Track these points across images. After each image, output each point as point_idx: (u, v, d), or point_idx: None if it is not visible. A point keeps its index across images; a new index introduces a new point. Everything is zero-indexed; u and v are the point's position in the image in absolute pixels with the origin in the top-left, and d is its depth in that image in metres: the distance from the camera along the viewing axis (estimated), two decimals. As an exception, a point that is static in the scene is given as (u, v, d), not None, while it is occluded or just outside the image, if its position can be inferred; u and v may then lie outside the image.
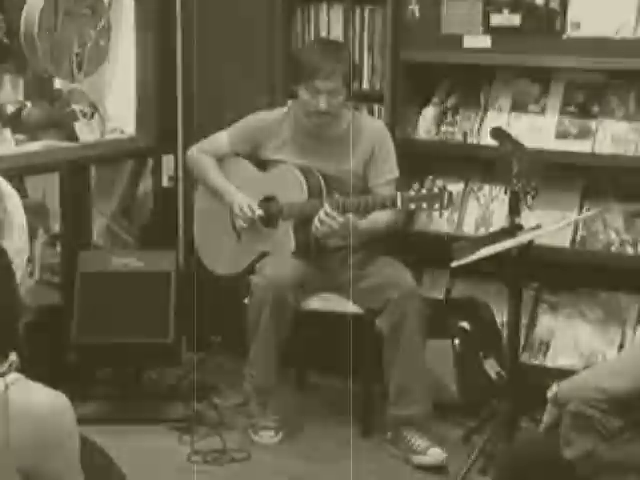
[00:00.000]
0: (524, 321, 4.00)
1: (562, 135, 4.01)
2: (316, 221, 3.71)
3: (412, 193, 3.60)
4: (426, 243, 4.21)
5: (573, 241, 4.01)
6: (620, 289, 4.00)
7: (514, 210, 3.49)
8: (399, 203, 3.61)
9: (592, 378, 2.47)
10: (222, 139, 4.05)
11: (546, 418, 2.53)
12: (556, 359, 4.06)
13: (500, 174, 3.78)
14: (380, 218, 3.81)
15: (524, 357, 4.04)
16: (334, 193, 3.82)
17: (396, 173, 3.93)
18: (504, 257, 3.44)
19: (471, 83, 4.22)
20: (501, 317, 3.98)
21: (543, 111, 4.08)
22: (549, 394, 2.52)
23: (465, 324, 4.03)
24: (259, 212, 3.92)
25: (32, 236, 3.76)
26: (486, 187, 4.22)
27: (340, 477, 3.59)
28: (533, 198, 3.47)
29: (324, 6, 4.36)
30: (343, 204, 3.71)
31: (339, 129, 3.92)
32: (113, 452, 2.57)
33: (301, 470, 3.68)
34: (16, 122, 4.15)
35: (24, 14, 4.00)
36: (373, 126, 3.99)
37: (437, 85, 4.30)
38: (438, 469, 3.67)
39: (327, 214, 3.68)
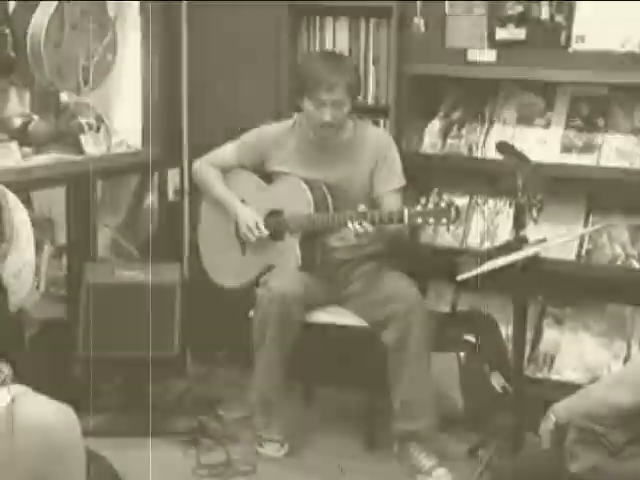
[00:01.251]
0: (529, 334, 3.99)
1: (567, 148, 4.01)
2: (352, 233, 3.67)
3: (419, 208, 3.57)
4: (432, 256, 4.21)
5: (579, 255, 4.01)
6: (625, 302, 4.00)
7: (519, 224, 3.49)
8: (406, 218, 3.59)
9: (594, 393, 2.46)
10: (228, 152, 4.06)
11: (545, 441, 2.51)
12: (561, 372, 4.06)
13: (505, 188, 3.79)
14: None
15: (529, 370, 4.04)
16: (340, 205, 3.81)
17: (403, 182, 3.92)
18: (509, 270, 3.44)
19: (476, 97, 4.23)
20: (506, 330, 3.97)
21: (548, 125, 4.08)
22: (548, 427, 2.49)
23: (470, 337, 4.03)
24: (265, 232, 3.91)
25: (38, 249, 3.76)
26: (491, 201, 4.22)
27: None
28: (538, 212, 3.48)
29: (330, 19, 4.38)
30: (369, 216, 3.66)
31: (343, 139, 3.92)
32: (118, 465, 2.56)
33: (306, 483, 3.68)
34: (23, 135, 4.16)
35: (31, 28, 4.01)
36: (377, 135, 3.99)
37: (442, 99, 4.31)
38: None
39: (362, 225, 3.63)
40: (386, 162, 3.91)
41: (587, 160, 3.96)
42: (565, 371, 4.05)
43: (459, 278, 3.38)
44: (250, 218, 3.94)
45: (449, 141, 4.25)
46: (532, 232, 3.64)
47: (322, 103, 3.76)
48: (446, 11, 4.08)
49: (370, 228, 3.61)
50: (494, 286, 3.95)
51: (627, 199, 3.97)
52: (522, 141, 4.03)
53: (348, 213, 3.68)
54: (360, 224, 3.61)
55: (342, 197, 3.86)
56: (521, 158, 3.55)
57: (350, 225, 3.63)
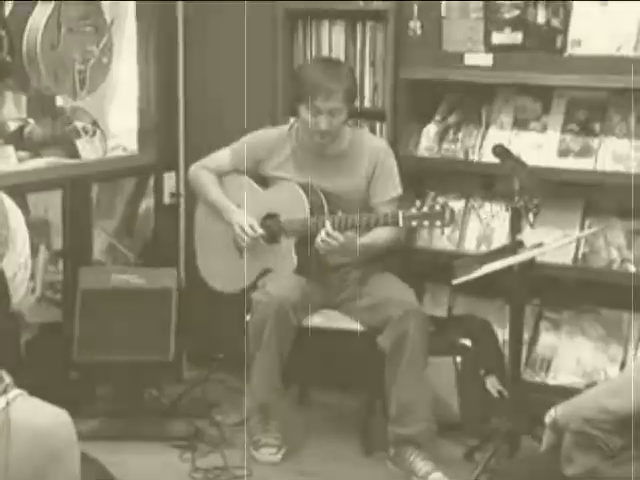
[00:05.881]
0: (526, 338, 3.99)
1: (564, 153, 4.01)
2: (318, 240, 3.71)
3: (414, 211, 3.59)
4: (427, 260, 4.21)
5: (575, 258, 4.01)
6: (622, 306, 4.00)
7: (515, 227, 3.49)
8: (400, 221, 3.60)
9: (593, 398, 2.47)
10: (224, 156, 4.06)
11: (545, 442, 2.52)
12: (558, 377, 4.06)
13: (502, 191, 3.79)
14: (381, 235, 3.81)
15: (526, 375, 4.04)
16: (336, 211, 3.81)
17: (399, 191, 3.93)
18: (506, 274, 3.44)
19: (473, 100, 4.23)
20: (503, 334, 3.98)
21: (545, 129, 4.09)
22: (547, 420, 2.51)
23: (467, 341, 4.02)
24: (261, 232, 3.92)
25: (34, 253, 3.75)
26: (487, 204, 4.22)
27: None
28: (535, 215, 3.47)
29: (326, 23, 4.38)
30: (345, 222, 3.71)
31: (340, 147, 3.93)
32: (114, 469, 2.57)
33: (302, 488, 3.68)
34: (19, 139, 4.16)
35: (27, 31, 4.00)
36: (375, 144, 3.99)
37: (439, 102, 4.31)
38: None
39: (329, 234, 3.68)
40: (383, 172, 3.91)
41: (584, 164, 3.96)
42: (561, 375, 4.05)
43: (455, 282, 3.38)
44: (244, 220, 3.94)
45: (445, 145, 4.25)
46: (528, 236, 3.64)
47: (318, 111, 3.76)
48: (442, 14, 4.09)
49: (335, 242, 3.64)
50: (490, 290, 3.95)
51: (623, 203, 3.98)
52: (518, 145, 4.03)
53: (343, 217, 3.70)
54: (327, 234, 3.64)
55: (338, 204, 3.85)
56: (517, 162, 3.55)
57: (319, 236, 3.66)
